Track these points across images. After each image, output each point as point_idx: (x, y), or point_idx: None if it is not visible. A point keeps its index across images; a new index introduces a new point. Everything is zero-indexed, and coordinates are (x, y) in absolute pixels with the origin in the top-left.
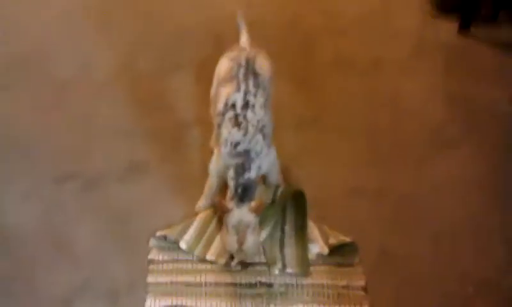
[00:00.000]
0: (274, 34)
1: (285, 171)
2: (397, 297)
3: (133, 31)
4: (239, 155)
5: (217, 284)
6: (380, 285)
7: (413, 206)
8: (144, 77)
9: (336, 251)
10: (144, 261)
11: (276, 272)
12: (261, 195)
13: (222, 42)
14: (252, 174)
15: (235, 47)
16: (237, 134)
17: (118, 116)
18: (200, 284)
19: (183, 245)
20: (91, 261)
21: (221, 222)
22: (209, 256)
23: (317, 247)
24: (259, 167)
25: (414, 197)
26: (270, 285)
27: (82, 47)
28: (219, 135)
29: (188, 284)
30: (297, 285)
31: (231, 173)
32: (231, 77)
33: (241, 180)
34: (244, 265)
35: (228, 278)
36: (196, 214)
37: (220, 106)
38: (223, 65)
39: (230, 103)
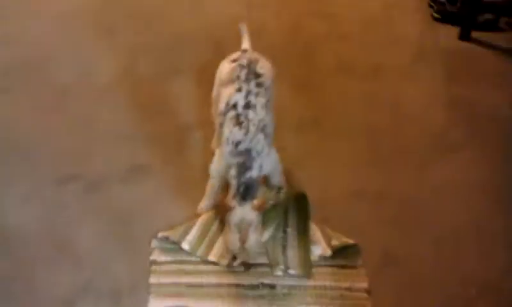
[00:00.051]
0: (276, 39)
1: (287, 174)
2: (400, 299)
3: (134, 35)
4: (240, 154)
5: (219, 285)
6: (383, 287)
7: (415, 209)
8: (145, 81)
9: (339, 252)
10: (146, 262)
11: (279, 273)
12: (263, 195)
13: (222, 47)
14: (254, 172)
15: (237, 51)
16: (238, 133)
17: (119, 119)
18: (202, 285)
19: (185, 245)
20: (93, 262)
21: (223, 224)
22: (211, 257)
23: (319, 249)
24: (261, 167)
25: (416, 200)
26: (272, 287)
27: (83, 51)
28: (220, 134)
29: (190, 285)
30: (299, 287)
31: (233, 172)
32: (233, 78)
33: (243, 179)
34: (247, 266)
35: (230, 279)
36: (198, 216)
37: (222, 106)
38: (225, 66)
39: (231, 103)
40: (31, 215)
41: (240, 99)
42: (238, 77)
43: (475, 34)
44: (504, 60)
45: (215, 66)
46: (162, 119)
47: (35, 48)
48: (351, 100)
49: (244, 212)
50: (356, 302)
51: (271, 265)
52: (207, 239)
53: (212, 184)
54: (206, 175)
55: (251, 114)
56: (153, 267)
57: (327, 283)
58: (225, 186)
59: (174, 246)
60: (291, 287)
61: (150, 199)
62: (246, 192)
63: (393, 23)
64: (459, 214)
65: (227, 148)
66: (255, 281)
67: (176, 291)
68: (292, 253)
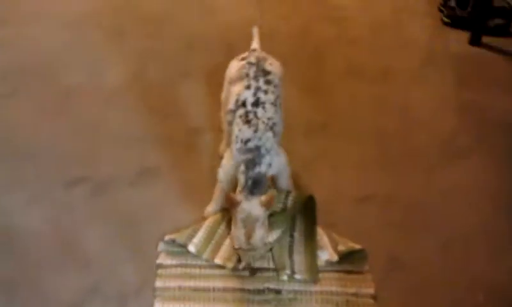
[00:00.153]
0: (286, 42)
1: (295, 177)
2: (406, 305)
3: (144, 38)
4: (249, 151)
5: (225, 289)
6: (389, 293)
7: (423, 213)
8: (155, 84)
9: (346, 258)
10: (152, 266)
11: (285, 278)
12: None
13: (234, 49)
14: (262, 168)
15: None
16: (247, 131)
17: (129, 122)
18: (207, 290)
19: (192, 248)
20: (100, 265)
21: (229, 227)
22: (217, 260)
23: (326, 254)
24: (269, 164)
25: (424, 204)
26: (278, 291)
27: (93, 55)
28: (230, 132)
29: (196, 289)
30: (305, 292)
31: (242, 168)
32: (242, 76)
33: (251, 174)
34: (253, 270)
35: (236, 284)
36: (205, 219)
37: (231, 104)
38: (234, 64)
39: (240, 100)
40: (39, 218)
41: (249, 96)
42: (247, 75)
43: (485, 39)
44: None
45: (225, 68)
46: (172, 122)
47: (46, 53)
48: (360, 103)
49: (251, 207)
50: None
51: (277, 270)
52: (213, 242)
53: (220, 188)
54: (214, 178)
55: (260, 111)
56: (160, 271)
57: (333, 289)
58: (233, 190)
59: (180, 249)
60: (297, 292)
61: (157, 202)
62: (254, 186)
63: (402, 27)
64: (467, 219)
65: (236, 146)
66: (260, 286)
67: (182, 295)
68: (299, 258)
